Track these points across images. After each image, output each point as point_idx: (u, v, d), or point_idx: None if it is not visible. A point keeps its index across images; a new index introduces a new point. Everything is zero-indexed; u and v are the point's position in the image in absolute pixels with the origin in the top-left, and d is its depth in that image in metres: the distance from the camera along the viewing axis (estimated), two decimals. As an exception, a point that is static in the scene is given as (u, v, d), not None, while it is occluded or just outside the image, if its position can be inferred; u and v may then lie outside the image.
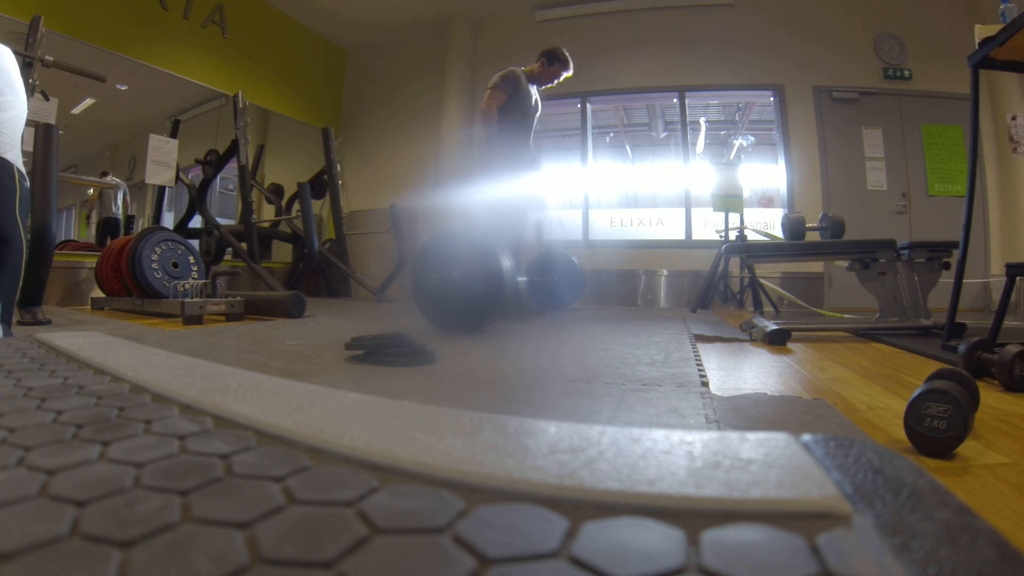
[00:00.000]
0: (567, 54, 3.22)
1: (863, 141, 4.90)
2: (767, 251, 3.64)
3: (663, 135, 6.78)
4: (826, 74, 4.98)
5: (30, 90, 2.94)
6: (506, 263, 2.32)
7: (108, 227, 4.67)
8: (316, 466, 0.40)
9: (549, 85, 3.31)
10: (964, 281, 1.88)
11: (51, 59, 3.12)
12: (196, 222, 4.97)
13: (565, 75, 3.27)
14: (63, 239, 4.39)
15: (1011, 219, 4.56)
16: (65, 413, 0.55)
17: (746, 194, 4.74)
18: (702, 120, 6.17)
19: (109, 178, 4.71)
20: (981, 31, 1.85)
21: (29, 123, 2.57)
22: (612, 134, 6.95)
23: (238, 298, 2.90)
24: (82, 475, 0.39)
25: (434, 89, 5.91)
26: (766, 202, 5.38)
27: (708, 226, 5.02)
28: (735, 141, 6.31)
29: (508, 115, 3.08)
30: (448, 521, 0.31)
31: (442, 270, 2.33)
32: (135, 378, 0.70)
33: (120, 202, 4.76)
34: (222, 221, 4.79)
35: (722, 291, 4.47)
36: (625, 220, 5.59)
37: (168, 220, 4.99)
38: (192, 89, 4.94)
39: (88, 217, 4.80)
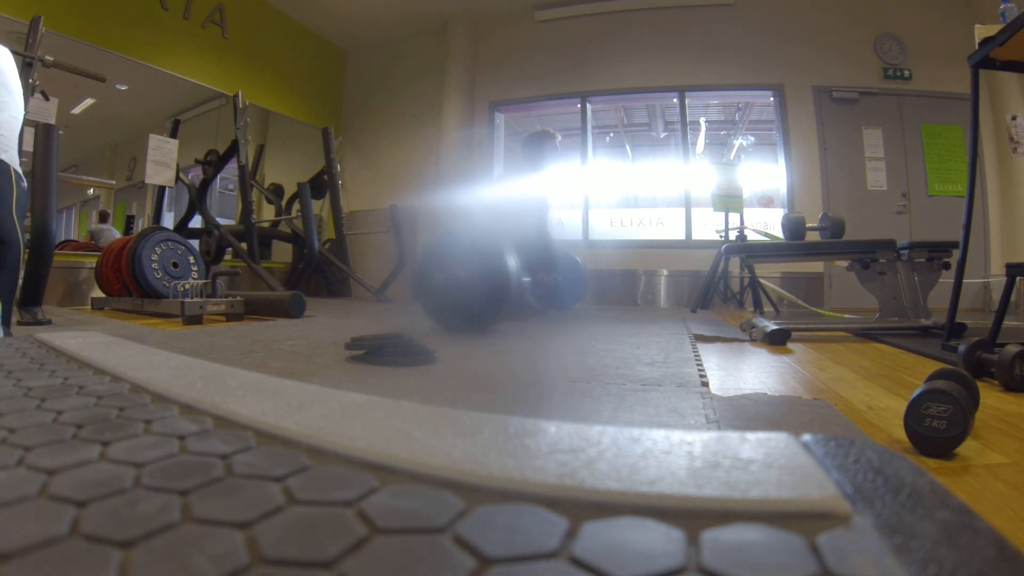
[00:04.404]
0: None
1: (863, 141, 4.90)
2: (767, 251, 3.64)
3: (663, 135, 6.78)
4: (826, 74, 4.98)
5: (30, 90, 2.95)
6: (510, 263, 2.32)
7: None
8: (316, 466, 0.40)
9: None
10: (964, 281, 1.88)
11: (51, 59, 3.12)
12: (196, 222, 4.97)
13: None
14: (63, 239, 4.39)
15: (1011, 219, 4.56)
16: (65, 413, 0.55)
17: (746, 194, 4.74)
18: (702, 120, 6.18)
19: (109, 222, 4.76)
20: (981, 31, 1.85)
21: (29, 123, 2.58)
22: (612, 134, 6.95)
23: (238, 298, 2.90)
24: (82, 475, 0.39)
25: (434, 89, 5.92)
26: (766, 202, 5.38)
27: (708, 226, 5.01)
28: (735, 141, 6.32)
29: None
30: (448, 521, 0.31)
31: (446, 270, 2.33)
32: (135, 378, 0.70)
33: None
34: (222, 221, 4.79)
35: (722, 291, 4.47)
36: (625, 220, 5.59)
37: (168, 220, 4.99)
38: (192, 89, 4.94)
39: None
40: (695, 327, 2.65)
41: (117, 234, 4.68)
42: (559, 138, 3.35)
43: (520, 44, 5.77)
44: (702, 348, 1.97)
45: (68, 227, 4.76)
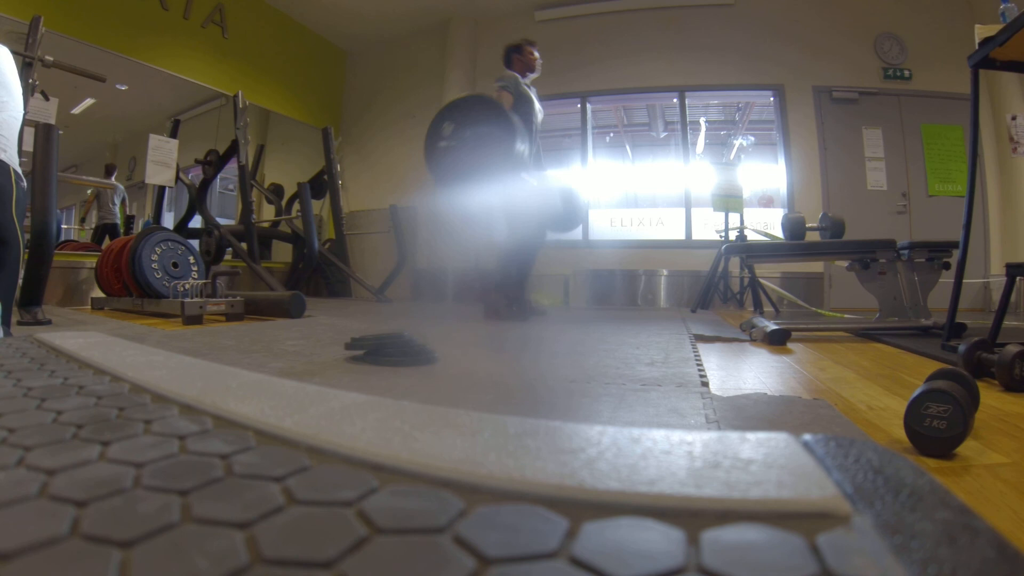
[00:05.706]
0: (522, 40, 3.24)
1: (863, 141, 4.90)
2: (767, 251, 3.64)
3: (663, 135, 6.78)
4: (826, 74, 4.98)
5: (30, 90, 2.95)
6: (515, 120, 2.50)
7: (106, 231, 4.68)
8: (316, 466, 0.40)
9: (534, 75, 3.33)
10: (964, 281, 1.88)
11: (51, 59, 3.12)
12: (196, 222, 4.97)
13: (535, 52, 3.28)
14: (63, 239, 4.39)
15: (1011, 219, 4.56)
16: (65, 413, 0.55)
17: (746, 194, 4.74)
18: (702, 120, 6.17)
19: (113, 178, 4.72)
20: (981, 31, 1.85)
21: (29, 123, 2.58)
22: (612, 134, 6.95)
23: (238, 298, 2.90)
24: (82, 475, 0.38)
25: (434, 89, 5.91)
26: (766, 202, 5.38)
27: (708, 226, 5.02)
28: (735, 141, 6.31)
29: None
30: (448, 521, 0.31)
31: (453, 129, 2.46)
32: (135, 378, 0.70)
33: (118, 206, 4.77)
34: (222, 221, 4.79)
35: (722, 291, 4.47)
36: (625, 220, 5.59)
37: (168, 220, 4.99)
38: (192, 89, 4.94)
39: (83, 220, 4.80)
40: (695, 327, 2.65)
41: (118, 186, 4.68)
42: (535, 45, 3.22)
43: (520, 44, 5.77)
44: (702, 348, 1.97)
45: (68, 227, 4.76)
